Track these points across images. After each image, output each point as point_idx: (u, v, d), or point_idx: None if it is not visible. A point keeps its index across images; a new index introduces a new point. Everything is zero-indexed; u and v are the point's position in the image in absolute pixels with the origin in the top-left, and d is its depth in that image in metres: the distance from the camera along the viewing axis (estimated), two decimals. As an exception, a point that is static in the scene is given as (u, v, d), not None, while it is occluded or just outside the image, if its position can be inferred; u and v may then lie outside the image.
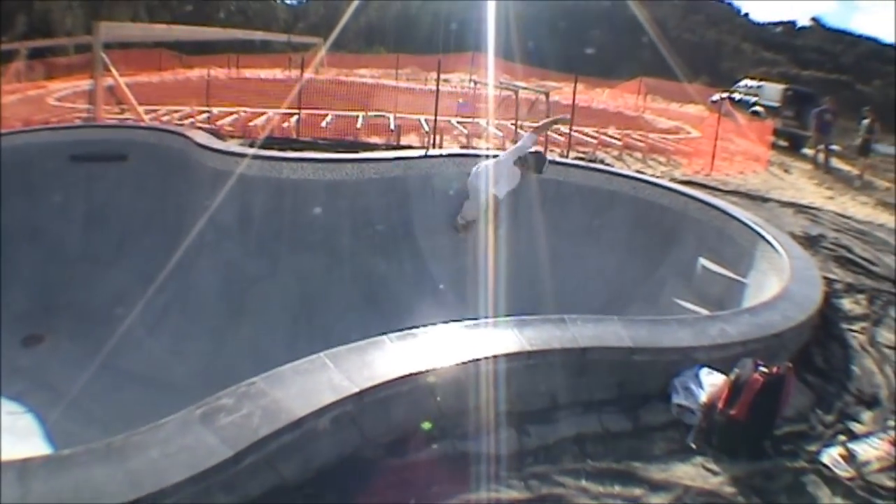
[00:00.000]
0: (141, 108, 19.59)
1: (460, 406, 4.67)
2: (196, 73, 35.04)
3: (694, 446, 4.90)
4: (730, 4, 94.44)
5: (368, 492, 4.05)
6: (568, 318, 5.55)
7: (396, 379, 4.42)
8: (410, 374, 4.49)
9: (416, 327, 5.16)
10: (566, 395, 5.17)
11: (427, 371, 4.56)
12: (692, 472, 4.61)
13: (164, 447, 3.69)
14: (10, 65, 32.71)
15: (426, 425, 4.58)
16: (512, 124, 18.68)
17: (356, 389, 4.23)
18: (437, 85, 17.69)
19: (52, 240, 12.62)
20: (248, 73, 37.21)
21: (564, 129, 18.93)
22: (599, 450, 4.75)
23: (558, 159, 12.94)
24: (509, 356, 4.91)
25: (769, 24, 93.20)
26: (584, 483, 4.34)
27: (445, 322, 5.35)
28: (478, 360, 4.74)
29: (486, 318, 6.33)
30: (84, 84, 27.26)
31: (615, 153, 19.33)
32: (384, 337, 4.91)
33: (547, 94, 19.86)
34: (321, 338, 9.91)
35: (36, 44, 36.77)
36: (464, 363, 4.70)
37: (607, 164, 15.79)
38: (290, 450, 3.93)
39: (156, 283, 10.62)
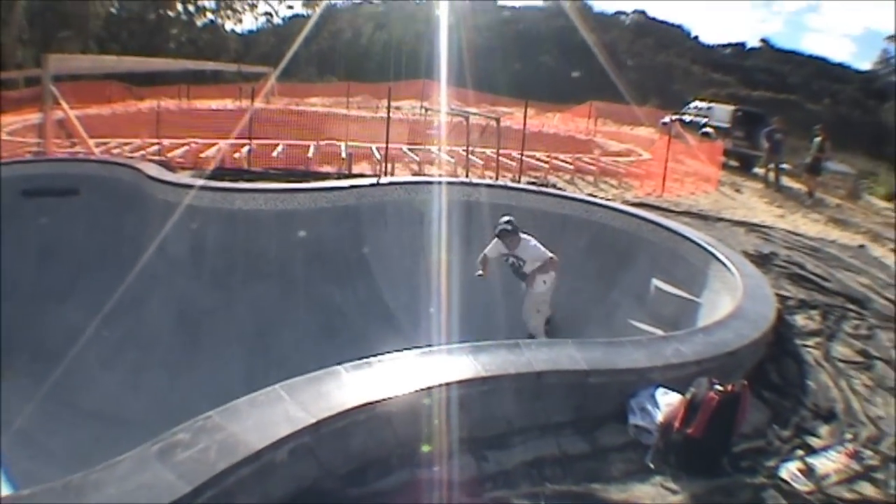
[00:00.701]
0: (91, 141, 19.42)
1: (417, 433, 4.64)
2: (146, 105, 34.78)
3: (652, 466, 4.91)
4: (679, 27, 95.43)
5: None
6: (522, 342, 5.61)
7: (353, 408, 4.40)
8: (367, 404, 4.47)
9: (373, 355, 5.13)
10: (522, 419, 5.17)
11: (383, 400, 4.53)
12: (652, 492, 4.63)
13: (122, 484, 3.65)
14: (-39, 99, 32.33)
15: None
16: (463, 150, 18.74)
17: (312, 420, 4.19)
18: (388, 112, 17.75)
19: (6, 276, 12.43)
20: (198, 103, 36.92)
21: (516, 153, 19.05)
22: (558, 473, 4.74)
23: (510, 184, 12.98)
24: (465, 382, 4.90)
25: (719, 45, 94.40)
26: (543, 506, 4.33)
27: (401, 349, 5.33)
28: (433, 387, 4.73)
29: (441, 344, 6.34)
30: (34, 117, 26.98)
31: (567, 177, 19.50)
32: (340, 367, 4.89)
33: (498, 120, 19.94)
34: (277, 368, 9.87)
35: (-15, 76, 36.39)
36: (420, 390, 4.68)
37: (559, 189, 15.88)
38: (249, 483, 3.88)
39: (110, 318, 10.49)
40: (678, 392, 5.21)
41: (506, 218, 9.50)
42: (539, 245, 9.50)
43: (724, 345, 6.28)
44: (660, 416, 5.10)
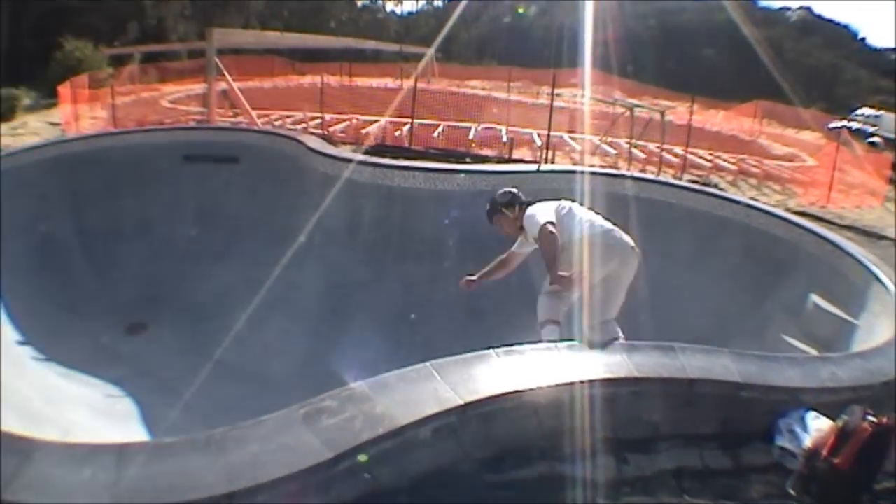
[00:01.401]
0: (254, 113, 20.02)
1: (561, 427, 4.59)
2: (308, 80, 35.71)
3: (793, 493, 4.73)
4: (846, 27, 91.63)
5: (461, 506, 4.02)
6: (677, 346, 5.41)
7: (501, 395, 4.38)
8: (515, 392, 4.44)
9: (520, 343, 5.11)
10: (669, 426, 5.04)
11: (532, 389, 4.50)
12: (788, 520, 4.47)
13: (264, 443, 3.76)
14: (123, 68, 34.08)
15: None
16: (625, 142, 18.49)
17: (460, 402, 4.21)
18: (552, 100, 17.63)
19: (162, 235, 13.02)
20: (359, 81, 37.61)
21: (679, 149, 18.66)
22: (697, 486, 4.64)
23: (671, 181, 12.66)
24: (616, 381, 4.83)
25: (886, 49, 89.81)
26: (679, 518, 4.23)
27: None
28: (583, 381, 4.67)
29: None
30: (196, 88, 28.30)
31: (729, 178, 19.03)
32: (491, 351, 4.86)
33: (662, 114, 19.59)
34: (422, 346, 9.95)
35: (149, 48, 38.24)
36: (569, 384, 4.62)
37: (721, 189, 15.47)
38: (389, 456, 3.93)
39: (261, 282, 10.76)
40: (829, 418, 4.96)
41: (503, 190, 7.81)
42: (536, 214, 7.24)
43: (881, 373, 5.89)
44: (808, 442, 4.87)
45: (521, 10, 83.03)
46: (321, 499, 3.69)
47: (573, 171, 12.23)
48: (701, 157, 20.64)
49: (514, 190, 7.77)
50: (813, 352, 8.39)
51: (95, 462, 3.69)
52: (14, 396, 7.33)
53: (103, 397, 9.19)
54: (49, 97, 30.22)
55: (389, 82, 35.87)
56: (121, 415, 8.88)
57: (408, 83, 24.92)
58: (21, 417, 6.83)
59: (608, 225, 7.27)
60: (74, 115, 22.69)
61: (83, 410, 8.58)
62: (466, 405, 4.21)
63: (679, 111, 28.72)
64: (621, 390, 4.86)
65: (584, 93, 31.69)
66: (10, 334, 9.57)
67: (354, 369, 9.44)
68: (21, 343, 9.52)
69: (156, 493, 3.45)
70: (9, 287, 10.34)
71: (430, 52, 43.81)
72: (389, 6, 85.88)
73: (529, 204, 7.48)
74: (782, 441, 5.05)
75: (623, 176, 12.10)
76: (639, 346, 5.33)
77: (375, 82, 36.52)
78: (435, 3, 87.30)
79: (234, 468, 3.58)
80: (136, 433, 8.37)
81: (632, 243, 7.21)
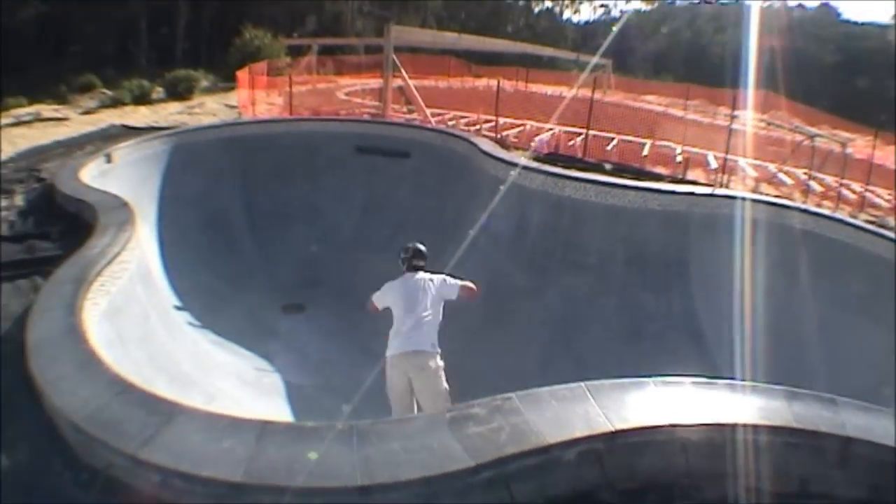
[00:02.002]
0: (428, 111, 20.15)
1: (708, 469, 4.41)
2: (482, 83, 35.84)
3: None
4: None
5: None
6: (840, 400, 5.09)
7: (653, 427, 4.25)
8: (668, 425, 4.30)
9: (674, 374, 4.94)
10: (817, 484, 4.73)
11: (685, 425, 4.34)
12: None
13: (407, 442, 3.81)
14: (301, 58, 35.10)
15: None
16: (803, 173, 17.68)
17: (610, 428, 4.11)
18: (730, 122, 17.06)
19: (329, 222, 13.26)
20: (534, 87, 37.52)
21: (858, 186, 17.74)
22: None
23: (850, 220, 11.92)
24: (773, 429, 4.58)
25: None
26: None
27: (705, 373, 5.16)
28: (738, 424, 4.46)
29: (748, 379, 6.20)
30: (371, 82, 28.79)
31: (912, 221, 17.90)
32: (648, 379, 4.73)
33: (843, 145, 18.65)
34: (575, 362, 9.85)
35: (327, 41, 39.29)
36: (723, 425, 4.44)
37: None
38: (530, 474, 3.88)
39: (423, 277, 10.78)
40: None
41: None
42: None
43: None
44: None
45: None
46: (455, 506, 3.70)
47: (747, 199, 11.66)
48: (879, 196, 19.49)
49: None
50: None
51: (236, 435, 3.87)
52: (166, 359, 7.67)
53: (252, 369, 9.57)
54: (226, 81, 31.60)
55: (564, 91, 35.60)
56: (266, 388, 9.27)
57: (583, 93, 24.65)
58: (170, 380, 7.25)
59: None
60: (251, 100, 23.56)
61: (231, 379, 9.01)
62: (616, 432, 4.13)
63: (858, 144, 27.42)
64: (776, 439, 4.61)
65: (763, 116, 30.80)
66: (170, 298, 10.04)
67: (503, 376, 9.32)
68: (178, 308, 9.98)
69: (290, 474, 3.56)
70: (173, 254, 10.80)
71: (608, 62, 43.41)
72: (567, 14, 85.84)
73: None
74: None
75: (799, 209, 11.45)
76: (800, 395, 5.03)
77: (550, 90, 36.24)
78: (613, 13, 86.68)
79: (372, 462, 3.66)
80: (279, 407, 8.75)
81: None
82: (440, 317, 7.61)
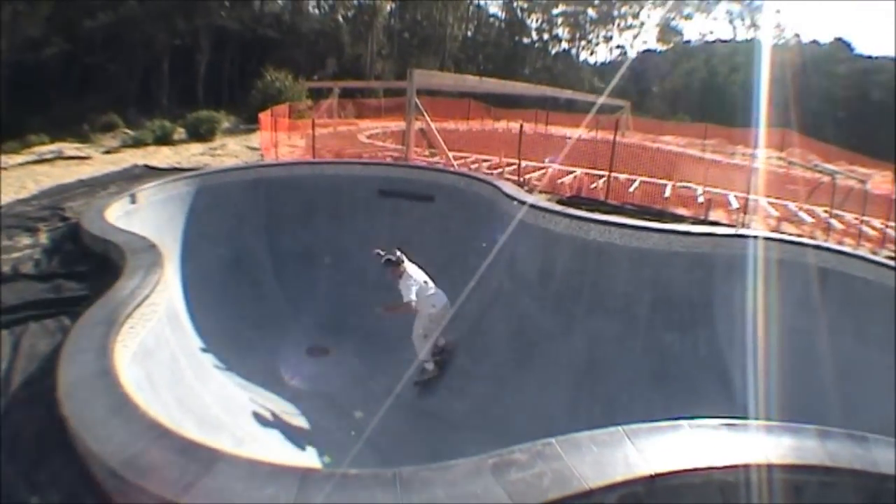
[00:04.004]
0: (450, 154, 20.24)
1: None
2: (501, 125, 35.98)
3: None
4: None
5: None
6: (871, 437, 5.07)
7: (692, 469, 4.24)
8: (706, 468, 4.29)
9: (704, 415, 4.91)
10: None
11: (722, 467, 4.33)
12: None
13: (450, 489, 3.80)
14: (322, 101, 35.41)
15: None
16: (823, 211, 17.64)
17: (650, 472, 4.11)
18: (751, 161, 17.06)
19: (353, 264, 13.28)
20: (553, 129, 37.68)
21: (878, 223, 17.69)
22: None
23: (873, 257, 11.84)
24: (808, 468, 4.58)
25: None
26: None
27: (732, 413, 5.38)
28: (773, 465, 4.45)
29: (777, 419, 5.96)
30: (392, 125, 28.93)
31: (935, 258, 17.78)
32: (683, 422, 4.73)
33: (863, 182, 18.60)
34: (603, 405, 9.81)
35: (348, 84, 39.65)
36: (759, 465, 4.41)
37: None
38: None
39: (448, 322, 10.90)
40: None
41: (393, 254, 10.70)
42: (413, 286, 10.36)
43: None
44: None
45: None
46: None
47: (769, 239, 11.64)
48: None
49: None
50: None
51: (278, 482, 3.87)
52: (195, 402, 7.67)
53: (279, 412, 9.47)
54: (248, 122, 31.91)
55: (583, 132, 35.76)
56: (294, 431, 9.24)
57: (602, 135, 24.64)
58: (199, 423, 7.18)
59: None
60: (273, 142, 23.65)
61: (257, 422, 8.92)
62: (655, 476, 4.12)
63: (876, 179, 27.37)
64: (812, 479, 4.62)
65: (781, 154, 30.79)
66: (196, 341, 10.03)
67: (532, 419, 9.29)
68: (204, 350, 9.90)
69: (334, 521, 3.53)
70: (197, 295, 10.83)
71: (626, 104, 43.59)
72: (583, 55, 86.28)
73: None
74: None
75: (821, 247, 11.39)
76: (832, 434, 5.00)
77: (569, 132, 36.43)
78: (629, 53, 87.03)
79: (416, 510, 3.62)
80: (306, 451, 8.68)
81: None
82: None
